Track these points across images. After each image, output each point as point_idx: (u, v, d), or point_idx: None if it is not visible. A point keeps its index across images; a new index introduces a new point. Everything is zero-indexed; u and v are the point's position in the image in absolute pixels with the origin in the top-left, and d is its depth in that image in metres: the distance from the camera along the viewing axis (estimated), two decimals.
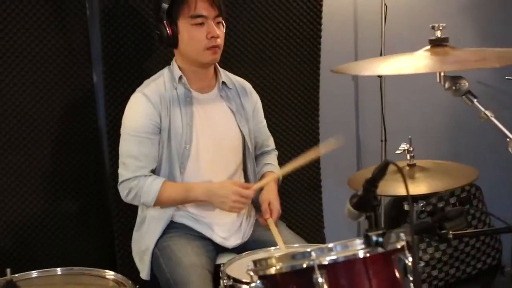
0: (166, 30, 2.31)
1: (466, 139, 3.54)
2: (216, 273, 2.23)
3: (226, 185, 2.29)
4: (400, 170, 1.39)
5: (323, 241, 3.20)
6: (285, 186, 3.07)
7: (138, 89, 2.38)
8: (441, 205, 3.17)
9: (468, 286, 3.28)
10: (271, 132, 2.69)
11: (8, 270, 1.39)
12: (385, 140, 3.24)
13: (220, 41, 2.32)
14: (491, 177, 3.22)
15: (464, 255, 3.24)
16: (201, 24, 2.29)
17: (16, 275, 1.91)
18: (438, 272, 3.19)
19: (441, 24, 1.72)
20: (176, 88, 2.35)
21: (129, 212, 2.71)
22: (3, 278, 1.88)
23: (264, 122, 2.61)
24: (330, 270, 1.48)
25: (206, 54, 2.31)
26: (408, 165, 2.19)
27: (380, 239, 1.44)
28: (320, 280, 1.46)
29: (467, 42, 3.31)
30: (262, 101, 2.62)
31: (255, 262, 1.62)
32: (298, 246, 2.22)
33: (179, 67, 2.38)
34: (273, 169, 2.56)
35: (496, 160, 3.30)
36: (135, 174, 2.30)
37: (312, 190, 3.19)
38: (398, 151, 2.22)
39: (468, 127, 3.44)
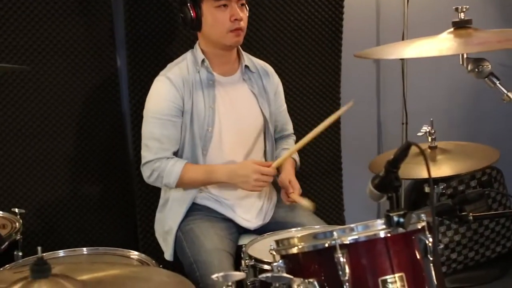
0: (190, 13, 2.33)
1: (488, 121, 3.53)
2: (238, 253, 2.27)
3: (247, 165, 2.31)
4: (422, 151, 1.40)
5: (342, 223, 3.22)
6: (306, 168, 3.09)
7: (161, 73, 2.41)
8: (461, 188, 3.17)
9: (487, 269, 3.28)
10: (291, 115, 2.70)
11: (39, 248, 1.43)
12: (406, 123, 3.24)
13: (244, 23, 2.34)
14: None
15: (483, 238, 3.24)
16: (225, 6, 2.30)
17: (44, 254, 1.96)
18: (457, 255, 3.20)
19: (464, 6, 1.72)
20: (199, 72, 2.37)
21: (152, 195, 2.75)
22: (33, 258, 1.95)
23: (285, 106, 2.62)
24: (352, 249, 1.50)
25: (229, 37, 2.32)
26: (430, 147, 2.19)
27: (401, 220, 1.46)
28: (341, 259, 1.48)
29: (490, 23, 3.28)
30: (283, 84, 2.63)
31: (277, 242, 1.65)
32: (319, 228, 2.24)
33: (202, 50, 2.40)
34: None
35: None
36: (158, 156, 2.33)
37: (333, 173, 3.21)
38: (419, 133, 2.22)
39: (490, 108, 3.42)
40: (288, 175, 2.44)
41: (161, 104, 2.35)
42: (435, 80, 3.36)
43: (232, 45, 2.36)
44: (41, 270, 1.38)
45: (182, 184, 2.34)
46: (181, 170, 2.31)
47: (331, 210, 3.22)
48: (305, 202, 2.30)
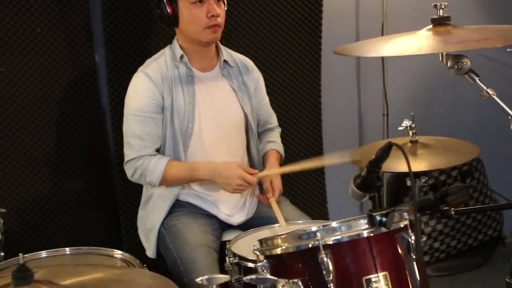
0: (167, 9, 2.31)
1: (468, 114, 3.55)
2: (221, 249, 2.27)
3: (232, 167, 2.30)
4: (403, 152, 1.41)
5: (326, 215, 3.23)
6: (288, 161, 3.05)
7: (140, 69, 2.39)
8: (443, 178, 3.20)
9: (469, 257, 3.33)
10: (273, 108, 2.69)
11: (21, 255, 1.42)
12: (387, 114, 3.25)
13: (221, 19, 2.32)
14: (493, 152, 3.24)
15: (465, 227, 3.28)
16: (201, 2, 2.28)
17: (26, 255, 1.95)
18: (440, 244, 3.24)
19: (443, 3, 1.72)
20: (177, 67, 2.36)
21: (134, 190, 2.74)
22: (15, 260, 1.93)
23: (267, 99, 2.62)
24: (335, 249, 1.51)
25: (207, 33, 2.31)
26: (411, 141, 2.20)
27: (384, 219, 1.47)
28: (325, 259, 1.49)
29: (469, 18, 3.29)
30: (263, 77, 2.62)
31: (261, 242, 1.65)
32: (302, 223, 2.25)
33: (180, 46, 2.38)
34: (276, 146, 2.58)
35: (497, 135, 3.31)
36: (140, 153, 2.32)
37: None
38: (400, 128, 2.23)
39: (470, 102, 3.45)
40: (275, 188, 2.44)
41: (140, 101, 2.33)
42: (415, 71, 3.38)
43: (210, 42, 2.34)
44: (23, 277, 1.38)
45: (166, 181, 2.33)
46: (164, 168, 2.30)
47: (314, 203, 3.22)
48: (280, 217, 2.28)
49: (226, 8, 2.38)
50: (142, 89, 2.33)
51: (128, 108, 2.36)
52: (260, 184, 2.52)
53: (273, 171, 2.44)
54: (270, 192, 2.40)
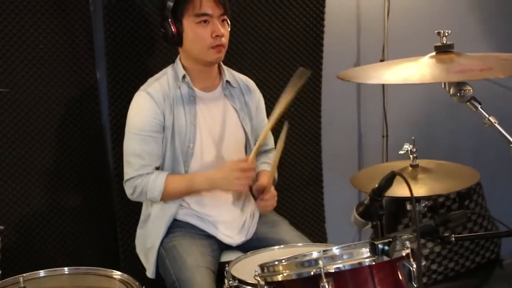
0: (171, 28, 2.31)
1: (468, 137, 3.56)
2: (220, 270, 2.26)
3: (223, 167, 2.31)
4: (407, 182, 1.41)
5: (324, 235, 3.23)
6: (287, 180, 3.10)
7: (142, 88, 2.39)
8: (441, 200, 3.20)
9: (467, 279, 3.32)
10: (272, 129, 2.69)
11: (21, 279, 1.41)
12: (387, 136, 3.26)
13: (225, 40, 2.33)
14: (492, 176, 3.25)
15: (463, 249, 3.27)
16: (206, 22, 2.29)
17: (24, 274, 1.94)
18: (437, 266, 3.23)
19: (446, 31, 1.73)
20: (179, 87, 2.36)
21: (133, 208, 2.73)
22: (13, 279, 1.92)
23: (266, 120, 2.61)
24: (337, 277, 1.51)
25: (211, 53, 2.31)
26: (411, 165, 2.21)
27: (386, 248, 1.47)
28: (326, 287, 1.49)
29: (472, 45, 3.30)
30: (264, 97, 2.62)
31: (262, 268, 1.65)
32: (302, 246, 2.24)
33: (183, 65, 2.38)
34: (269, 168, 2.57)
35: (497, 159, 3.32)
36: (139, 172, 2.32)
37: (314, 185, 3.21)
38: (401, 152, 2.23)
39: (470, 125, 3.45)
40: (262, 182, 2.41)
41: (142, 120, 2.33)
42: (415, 92, 3.39)
43: (213, 62, 2.35)
44: None
45: (167, 195, 2.33)
46: (164, 183, 2.30)
47: (312, 222, 3.22)
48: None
49: (229, 29, 2.39)
50: (144, 108, 2.33)
51: (129, 127, 2.36)
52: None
53: (259, 140, 2.38)
54: (262, 193, 2.38)
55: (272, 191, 2.40)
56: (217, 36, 2.29)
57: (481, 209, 3.29)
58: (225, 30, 2.32)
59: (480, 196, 3.32)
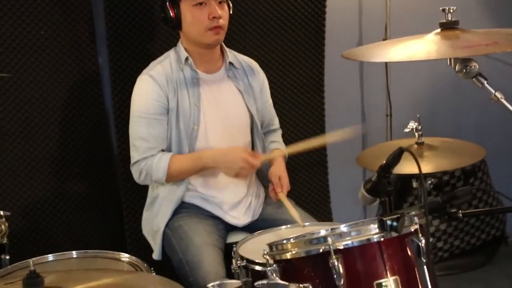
0: (170, 12, 2.31)
1: (472, 115, 3.54)
2: (226, 251, 2.27)
3: (235, 150, 2.30)
4: (416, 159, 1.41)
5: (329, 216, 3.24)
6: (292, 161, 3.09)
7: (144, 71, 2.39)
8: (446, 178, 3.20)
9: (473, 256, 3.33)
10: (277, 109, 2.70)
11: (31, 262, 1.42)
12: (391, 115, 3.26)
13: (223, 21, 2.31)
14: (497, 152, 3.24)
15: (468, 226, 3.28)
16: (202, 4, 2.28)
17: (33, 258, 1.95)
18: (443, 243, 3.24)
19: (451, 7, 1.72)
20: (182, 70, 2.36)
21: (138, 192, 2.74)
22: (22, 264, 1.93)
23: (270, 101, 2.62)
24: (346, 254, 1.52)
25: (209, 35, 2.30)
26: (417, 143, 2.21)
27: (395, 224, 1.47)
28: (336, 264, 1.49)
29: (477, 23, 3.27)
30: (267, 78, 2.62)
31: (270, 246, 1.66)
32: (309, 224, 2.24)
33: (185, 48, 2.38)
34: (279, 146, 2.59)
35: (501, 136, 3.32)
36: (145, 155, 2.32)
37: (318, 165, 3.21)
38: (406, 130, 2.24)
39: (475, 102, 3.44)
40: (279, 171, 2.44)
41: (146, 103, 2.33)
42: (419, 71, 3.38)
43: (212, 43, 2.34)
44: (33, 283, 1.37)
45: (172, 176, 2.32)
46: (168, 163, 2.29)
47: (317, 203, 3.23)
48: (292, 211, 2.28)
49: (231, 11, 2.38)
50: (147, 91, 2.33)
51: (134, 111, 2.36)
52: (265, 185, 2.53)
53: (274, 154, 2.43)
54: (279, 187, 2.39)
55: (286, 183, 2.42)
56: (214, 17, 2.28)
57: (486, 186, 3.29)
58: (223, 12, 2.31)
59: (485, 174, 3.32)
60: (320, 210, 3.23)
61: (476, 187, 3.10)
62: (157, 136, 2.33)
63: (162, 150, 2.35)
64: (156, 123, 2.32)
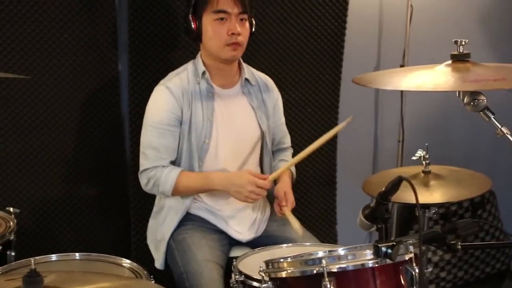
0: (191, 24, 2.35)
1: (484, 144, 3.54)
2: (229, 265, 2.28)
3: (242, 175, 2.31)
4: (412, 187, 1.42)
5: (334, 237, 3.24)
6: (300, 180, 3.11)
7: (161, 82, 2.42)
8: (453, 208, 3.19)
9: None
10: (289, 128, 2.72)
11: (33, 260, 1.45)
12: (403, 141, 3.26)
13: (242, 38, 2.34)
14: (507, 184, 3.23)
15: (473, 258, 3.26)
16: (223, 19, 2.31)
17: (37, 258, 1.99)
18: (447, 274, 3.22)
19: (463, 40, 1.74)
20: (199, 83, 2.39)
21: (147, 199, 2.76)
22: (26, 261, 1.97)
23: (283, 119, 2.64)
24: (339, 277, 1.53)
25: (226, 50, 2.34)
26: (423, 171, 2.22)
27: (389, 251, 1.48)
28: (328, 286, 1.51)
29: (488, 56, 3.27)
30: (282, 96, 2.64)
31: (267, 263, 1.68)
32: (309, 245, 2.26)
33: (203, 62, 2.41)
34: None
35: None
36: (154, 164, 2.35)
37: (327, 186, 3.23)
38: (414, 158, 2.25)
39: (487, 132, 3.43)
40: (284, 187, 2.45)
41: (160, 114, 2.36)
42: (433, 98, 3.38)
43: (229, 59, 2.37)
44: (33, 282, 1.40)
45: (178, 191, 2.36)
46: (176, 178, 2.33)
47: (323, 224, 3.24)
48: (294, 223, 2.28)
49: (253, 29, 2.41)
50: (162, 102, 2.37)
51: (147, 120, 2.39)
52: (271, 201, 2.55)
53: (282, 168, 2.40)
54: (284, 200, 2.38)
55: (291, 199, 2.41)
56: (233, 34, 2.31)
57: (494, 219, 3.28)
58: (243, 29, 2.34)
59: (494, 206, 3.31)
60: (326, 232, 3.24)
61: (478, 219, 3.08)
62: (168, 146, 2.36)
63: (172, 162, 2.38)
64: (168, 134, 2.35)
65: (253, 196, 2.28)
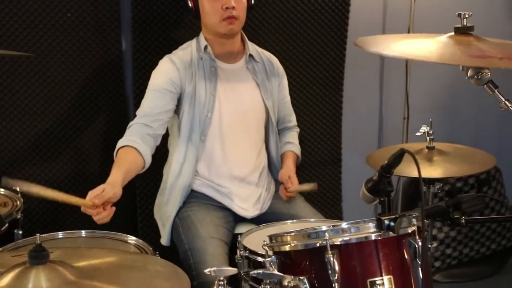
0: (188, 2, 2.38)
1: (490, 122, 3.53)
2: (233, 242, 2.30)
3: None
4: (415, 159, 1.42)
5: (340, 214, 3.25)
6: (306, 158, 3.12)
7: (166, 55, 2.45)
8: (459, 185, 3.19)
9: (481, 266, 3.31)
10: (295, 106, 2.72)
11: (38, 236, 1.46)
12: (408, 118, 3.25)
13: (238, 12, 2.34)
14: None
15: (479, 235, 3.27)
16: None
17: (43, 235, 2.00)
18: (452, 250, 3.23)
19: (467, 13, 1.72)
20: (202, 58, 2.40)
21: (152, 178, 2.78)
22: (32, 239, 1.99)
23: (288, 97, 2.64)
24: (342, 250, 1.53)
25: (223, 25, 2.35)
26: (427, 147, 2.22)
27: (392, 224, 1.49)
28: (332, 259, 1.52)
29: (493, 31, 3.23)
30: (287, 74, 2.64)
31: (270, 238, 1.68)
32: (314, 221, 2.27)
33: (205, 38, 2.43)
34: (293, 148, 2.61)
35: None
36: (134, 122, 2.29)
37: (332, 164, 3.23)
38: (418, 133, 2.24)
39: (493, 110, 3.41)
40: (288, 171, 2.47)
41: (158, 79, 2.37)
42: (439, 75, 3.37)
43: (227, 33, 2.38)
44: (39, 256, 1.41)
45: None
46: (119, 146, 2.23)
47: (329, 201, 3.25)
48: (306, 187, 2.32)
49: (253, 2, 2.41)
50: (163, 70, 2.39)
51: (148, 86, 2.38)
52: (276, 179, 2.55)
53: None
54: (289, 183, 2.41)
55: (296, 183, 2.42)
56: (227, 8, 2.32)
57: (500, 196, 3.27)
58: (238, 2, 2.34)
59: (500, 183, 3.30)
60: (331, 209, 3.25)
61: (482, 193, 3.08)
62: (154, 106, 2.30)
63: (147, 125, 2.28)
64: (159, 95, 2.32)
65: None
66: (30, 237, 2.04)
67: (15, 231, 2.21)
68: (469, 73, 1.70)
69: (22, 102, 2.72)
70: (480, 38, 1.69)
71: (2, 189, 2.39)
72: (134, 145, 2.21)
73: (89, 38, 2.75)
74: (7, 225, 2.12)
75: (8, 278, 1.36)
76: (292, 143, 2.62)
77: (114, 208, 2.00)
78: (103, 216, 1.97)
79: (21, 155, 2.75)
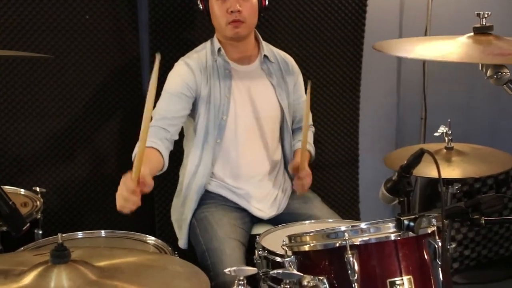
0: (200, 5, 2.40)
1: (507, 122, 3.50)
2: (251, 242, 2.30)
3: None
4: (435, 159, 1.42)
5: (357, 215, 3.24)
6: (323, 159, 3.12)
7: (181, 58, 2.45)
8: (478, 186, 3.17)
9: (500, 267, 3.29)
10: (311, 106, 2.68)
11: (60, 235, 1.48)
12: (425, 118, 3.24)
13: (244, 15, 2.33)
14: None
15: (497, 236, 3.24)
16: None
17: (64, 235, 2.02)
18: (471, 251, 3.21)
19: (486, 12, 1.71)
20: (216, 60, 2.40)
21: (170, 179, 2.78)
22: (53, 238, 2.01)
23: (304, 97, 2.63)
24: (362, 250, 1.53)
25: (228, 29, 2.35)
26: (446, 148, 2.21)
27: (412, 224, 1.49)
28: (351, 259, 1.52)
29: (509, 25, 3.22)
30: (304, 75, 2.64)
31: (289, 238, 1.69)
32: (332, 221, 2.27)
33: (218, 39, 2.43)
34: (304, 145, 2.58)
35: None
36: (152, 124, 2.24)
37: (349, 164, 3.22)
38: (436, 134, 2.24)
39: (511, 110, 3.40)
40: (296, 161, 2.42)
41: (173, 82, 2.36)
42: (457, 76, 3.35)
43: (233, 37, 2.37)
44: (60, 255, 1.42)
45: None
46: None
47: (346, 202, 3.24)
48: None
49: (266, 3, 2.40)
50: (178, 73, 2.39)
51: (163, 90, 2.38)
52: (292, 179, 2.55)
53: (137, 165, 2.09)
54: (294, 162, 2.39)
55: (307, 169, 2.40)
56: (232, 12, 2.32)
57: None
58: (245, 6, 2.33)
59: None
60: (348, 210, 3.24)
61: (502, 194, 3.06)
62: (169, 110, 2.30)
63: (173, 126, 2.29)
64: (175, 99, 2.33)
65: (121, 203, 1.97)
66: (51, 237, 2.06)
67: (35, 231, 2.23)
68: (489, 72, 1.69)
69: (41, 103, 2.75)
70: (500, 37, 1.69)
71: (22, 190, 2.42)
72: (156, 146, 2.23)
73: (107, 40, 2.78)
74: (28, 225, 2.13)
75: (30, 276, 1.37)
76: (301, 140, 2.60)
77: (139, 203, 1.97)
78: (134, 200, 1.93)
79: (40, 155, 2.78)
